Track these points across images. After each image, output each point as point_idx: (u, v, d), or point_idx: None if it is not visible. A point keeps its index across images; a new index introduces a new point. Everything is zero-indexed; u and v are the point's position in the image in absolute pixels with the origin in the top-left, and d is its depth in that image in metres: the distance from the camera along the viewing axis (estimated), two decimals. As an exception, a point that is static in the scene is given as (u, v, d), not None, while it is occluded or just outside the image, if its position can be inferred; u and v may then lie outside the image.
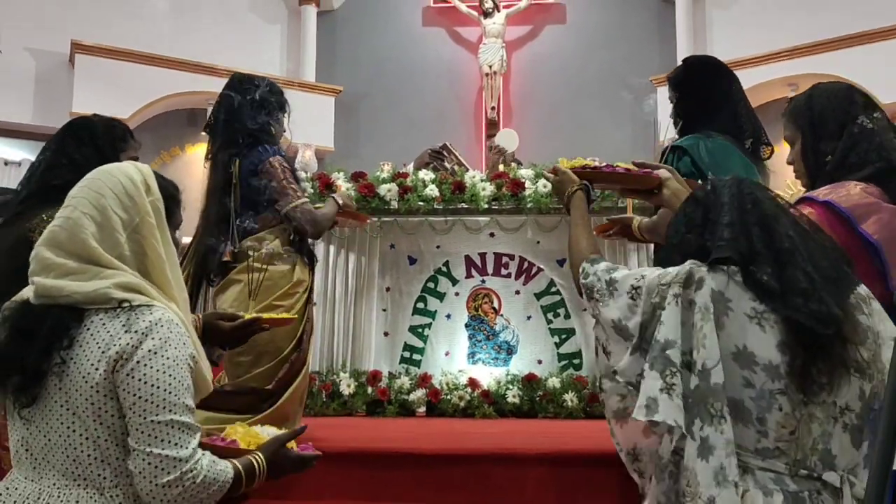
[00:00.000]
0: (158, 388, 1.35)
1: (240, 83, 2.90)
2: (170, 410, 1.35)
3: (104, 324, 1.39)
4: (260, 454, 1.53)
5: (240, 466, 1.45)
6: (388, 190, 4.17)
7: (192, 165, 8.02)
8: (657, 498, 1.48)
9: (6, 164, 7.29)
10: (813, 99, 1.94)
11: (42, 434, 1.39)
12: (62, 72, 7.21)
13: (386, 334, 4.26)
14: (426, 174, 4.28)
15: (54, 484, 1.39)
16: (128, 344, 1.36)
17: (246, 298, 2.69)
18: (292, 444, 1.64)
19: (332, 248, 4.32)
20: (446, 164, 4.97)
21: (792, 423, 1.35)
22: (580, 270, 1.65)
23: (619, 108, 8.03)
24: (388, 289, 4.31)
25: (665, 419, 1.35)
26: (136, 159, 2.13)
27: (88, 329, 1.38)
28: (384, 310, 4.28)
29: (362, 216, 3.58)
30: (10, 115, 7.10)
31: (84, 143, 2.05)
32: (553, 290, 4.23)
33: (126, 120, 7.24)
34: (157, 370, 1.36)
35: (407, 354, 4.23)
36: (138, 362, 1.35)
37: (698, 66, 2.67)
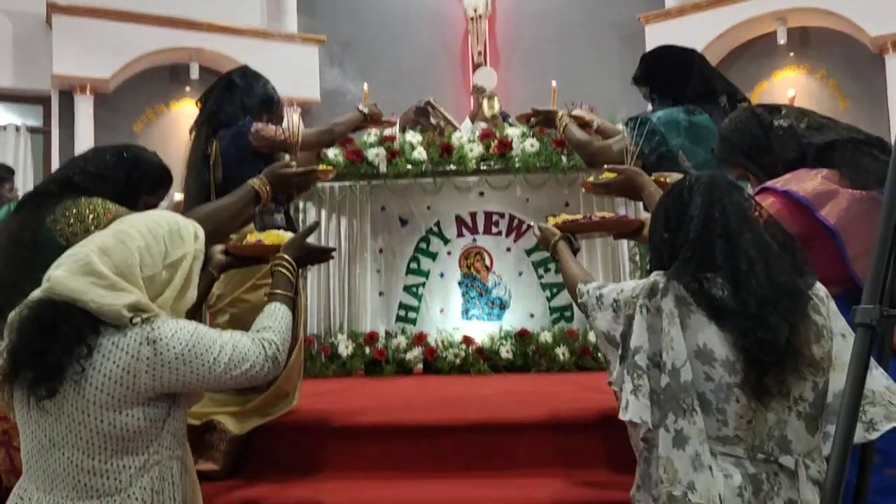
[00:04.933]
0: (197, 355, 1.50)
1: (246, 75, 2.97)
2: (216, 359, 1.52)
3: (115, 344, 1.46)
4: (284, 255, 1.88)
5: (277, 291, 1.80)
6: (375, 154, 4.20)
7: (178, 122, 7.94)
8: (636, 480, 1.61)
9: (-12, 128, 7.23)
10: (732, 138, 2.08)
11: (55, 432, 1.47)
12: (40, 33, 7.09)
13: (381, 294, 4.36)
14: (413, 136, 4.30)
15: (66, 496, 1.47)
16: (153, 353, 1.46)
17: (233, 278, 2.76)
18: None
19: (323, 212, 4.37)
20: (432, 119, 4.96)
21: (749, 414, 1.47)
22: (576, 293, 1.81)
23: (607, 49, 7.95)
24: (380, 250, 4.38)
25: (632, 418, 1.49)
26: (152, 206, 2.17)
27: (102, 346, 1.45)
28: (378, 271, 4.37)
29: (389, 121, 3.55)
30: (-10, 78, 7.02)
31: (120, 167, 2.09)
32: (543, 245, 4.30)
33: (108, 79, 7.18)
34: (187, 348, 1.49)
35: (402, 313, 4.34)
36: (170, 362, 1.47)
37: (657, 55, 2.80)
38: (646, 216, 2.13)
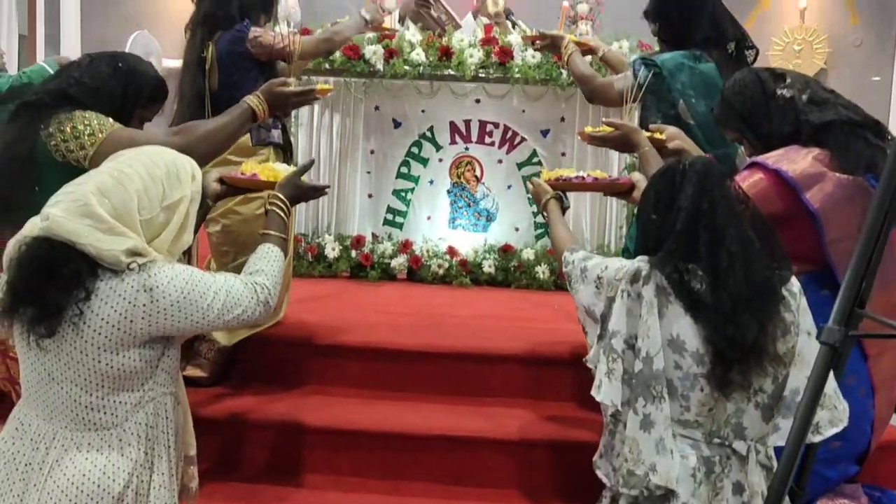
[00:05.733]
0: (192, 302, 1.55)
1: None
2: (210, 305, 1.57)
3: (113, 290, 1.50)
4: (279, 194, 1.93)
5: (271, 232, 1.83)
6: (373, 52, 4.09)
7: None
8: (599, 449, 1.74)
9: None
10: (733, 102, 2.07)
11: (55, 368, 1.54)
12: None
13: (370, 196, 4.38)
14: (413, 35, 4.17)
15: (66, 426, 1.56)
16: (149, 300, 1.50)
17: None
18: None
19: (316, 109, 4.31)
20: (433, 12, 4.81)
21: (711, 402, 1.58)
22: (562, 260, 1.86)
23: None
24: (372, 151, 4.36)
25: (604, 400, 1.60)
26: (147, 119, 2.15)
27: (100, 291, 1.49)
28: (368, 172, 4.37)
29: (392, 30, 3.58)
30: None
31: (116, 80, 2.04)
32: (535, 160, 4.31)
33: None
34: (183, 295, 1.54)
35: (390, 217, 4.38)
36: (166, 309, 1.52)
37: None
38: (637, 177, 2.16)
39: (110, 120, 1.97)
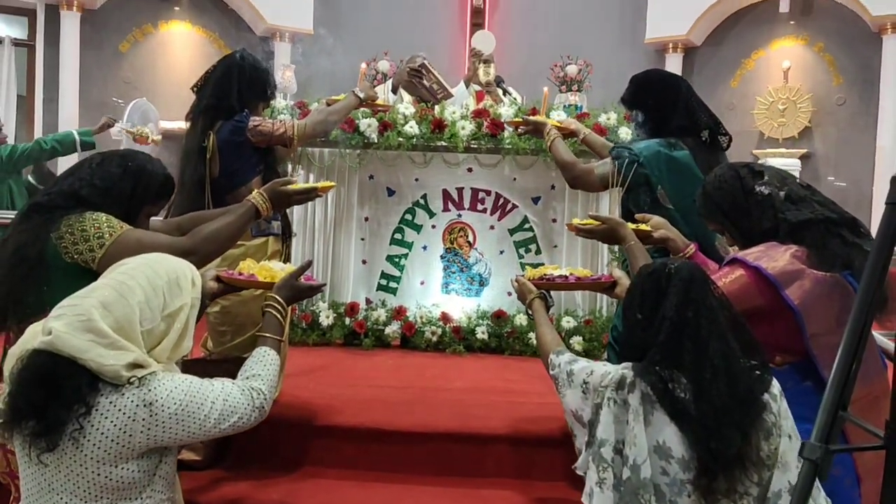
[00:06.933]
0: (190, 414, 1.59)
1: (244, 63, 2.95)
2: (207, 415, 1.61)
3: (113, 404, 1.54)
4: (276, 296, 1.98)
5: (267, 335, 1.89)
6: (367, 125, 4.19)
7: (166, 45, 7.77)
8: None
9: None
10: (714, 196, 2.15)
11: (54, 479, 1.58)
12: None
13: (364, 262, 4.44)
14: (406, 108, 4.27)
15: None
16: (149, 415, 1.54)
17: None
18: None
19: (311, 177, 4.39)
20: (425, 81, 4.93)
21: None
22: (548, 362, 1.88)
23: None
24: (366, 219, 4.43)
25: None
26: (153, 214, 2.20)
27: (100, 405, 1.52)
28: (362, 239, 4.43)
29: (385, 105, 3.73)
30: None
31: (126, 181, 2.10)
32: (526, 226, 4.39)
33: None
34: (181, 407, 1.58)
35: (384, 282, 4.44)
36: (165, 422, 1.55)
37: (645, 80, 2.81)
38: (618, 273, 2.22)
39: (119, 223, 2.02)
